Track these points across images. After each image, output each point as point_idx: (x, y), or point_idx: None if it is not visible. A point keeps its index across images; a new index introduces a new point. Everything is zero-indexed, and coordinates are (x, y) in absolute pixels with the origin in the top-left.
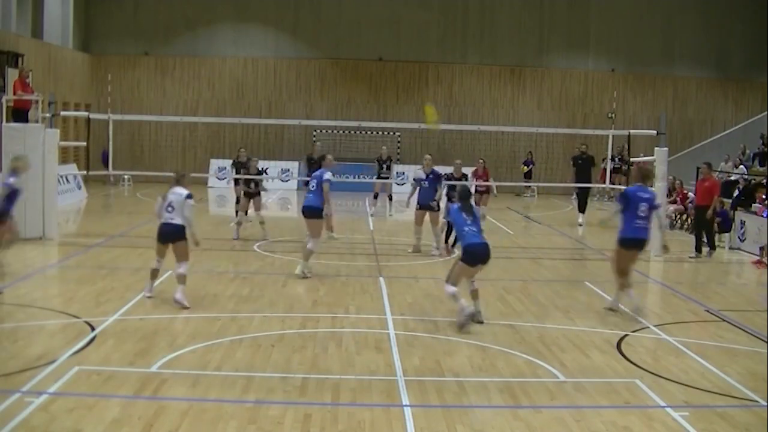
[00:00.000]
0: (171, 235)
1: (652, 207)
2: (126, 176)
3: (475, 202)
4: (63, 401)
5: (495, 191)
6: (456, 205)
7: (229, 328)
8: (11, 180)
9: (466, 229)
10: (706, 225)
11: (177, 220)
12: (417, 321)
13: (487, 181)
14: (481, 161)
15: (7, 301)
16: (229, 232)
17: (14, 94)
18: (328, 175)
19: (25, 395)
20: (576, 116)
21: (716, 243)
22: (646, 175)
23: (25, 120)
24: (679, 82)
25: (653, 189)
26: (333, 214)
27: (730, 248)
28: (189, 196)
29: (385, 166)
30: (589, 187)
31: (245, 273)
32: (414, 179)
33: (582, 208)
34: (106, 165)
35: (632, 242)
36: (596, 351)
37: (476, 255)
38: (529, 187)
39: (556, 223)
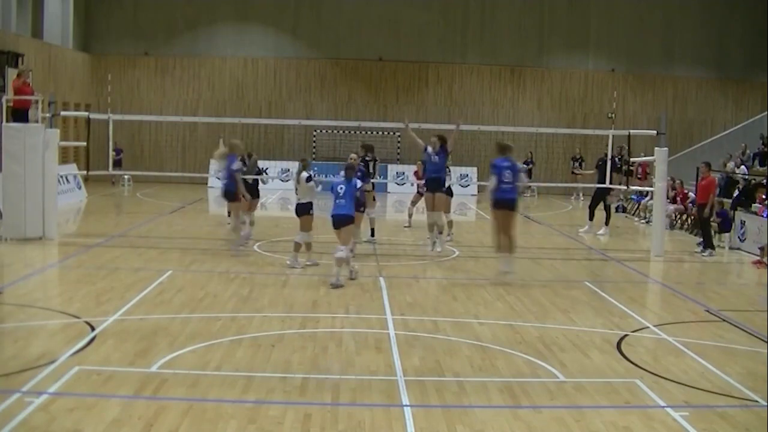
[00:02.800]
0: (301, 210)
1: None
2: (126, 176)
3: (412, 203)
4: (63, 401)
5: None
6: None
7: (229, 328)
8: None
9: None
10: (703, 223)
11: (304, 200)
12: (417, 321)
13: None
14: (419, 162)
15: (7, 301)
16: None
17: (14, 94)
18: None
19: (25, 395)
20: (576, 116)
21: (716, 243)
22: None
23: (25, 120)
24: (679, 82)
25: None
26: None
27: (730, 248)
28: (309, 179)
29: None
30: (608, 191)
31: (245, 273)
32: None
33: (607, 219)
34: (118, 164)
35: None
36: (596, 351)
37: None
38: (529, 187)
39: (556, 223)
